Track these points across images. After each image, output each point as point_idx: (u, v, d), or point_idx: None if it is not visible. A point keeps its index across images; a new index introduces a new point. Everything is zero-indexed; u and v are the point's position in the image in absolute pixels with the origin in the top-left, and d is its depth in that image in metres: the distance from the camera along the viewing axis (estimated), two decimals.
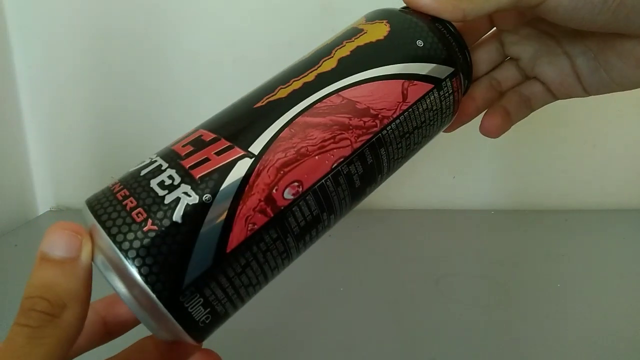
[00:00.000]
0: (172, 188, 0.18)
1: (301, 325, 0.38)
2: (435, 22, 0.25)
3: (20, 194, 0.62)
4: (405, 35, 0.23)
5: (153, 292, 0.17)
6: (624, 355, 0.34)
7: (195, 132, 0.21)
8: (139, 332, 0.21)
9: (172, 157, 0.19)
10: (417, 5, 0.25)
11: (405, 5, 0.26)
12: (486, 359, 0.34)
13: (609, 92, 0.27)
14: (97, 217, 0.18)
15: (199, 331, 0.18)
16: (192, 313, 0.18)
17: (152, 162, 0.20)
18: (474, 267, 0.47)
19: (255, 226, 0.18)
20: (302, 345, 0.36)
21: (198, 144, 0.20)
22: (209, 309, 0.18)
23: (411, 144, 0.24)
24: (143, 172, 0.19)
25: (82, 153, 0.63)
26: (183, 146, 0.20)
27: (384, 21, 0.24)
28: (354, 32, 0.24)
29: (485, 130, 0.29)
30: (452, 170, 0.61)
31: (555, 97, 0.29)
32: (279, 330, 0.37)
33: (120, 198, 0.18)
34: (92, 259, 0.18)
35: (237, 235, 0.18)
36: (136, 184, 0.18)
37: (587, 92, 0.28)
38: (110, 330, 0.22)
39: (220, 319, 0.19)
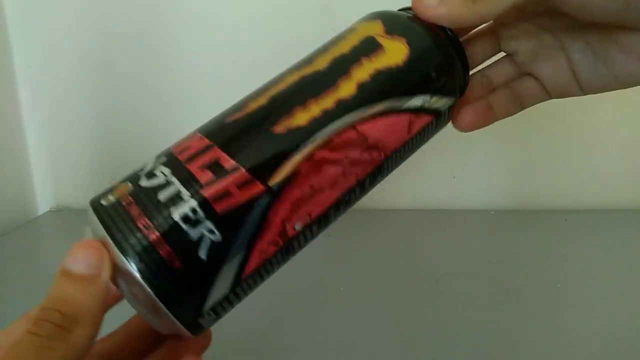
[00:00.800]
0: (196, 224, 0.18)
1: (301, 324, 0.38)
2: (445, 33, 0.25)
3: (20, 194, 0.62)
4: (422, 65, 0.23)
5: (177, 319, 0.18)
6: (623, 355, 0.34)
7: (210, 149, 0.20)
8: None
9: (190, 181, 0.19)
10: (433, 18, 0.24)
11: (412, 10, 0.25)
12: (486, 359, 0.34)
13: (605, 91, 0.27)
14: (122, 250, 0.17)
15: (203, 330, 0.20)
16: (204, 326, 0.19)
17: (168, 183, 0.19)
18: (474, 267, 0.47)
19: (267, 256, 0.20)
20: (302, 344, 0.36)
21: (217, 170, 0.19)
22: (217, 318, 0.20)
23: (402, 162, 0.25)
24: (161, 197, 0.18)
25: (82, 153, 0.63)
26: (201, 169, 0.19)
27: (404, 40, 0.23)
28: (371, 47, 0.23)
29: (457, 125, 0.28)
30: (452, 170, 0.61)
31: (550, 96, 0.28)
32: (279, 330, 0.37)
33: (143, 228, 0.18)
34: (113, 281, 0.18)
35: (251, 266, 0.19)
36: (157, 212, 0.18)
37: (583, 90, 0.27)
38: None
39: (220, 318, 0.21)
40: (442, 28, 0.25)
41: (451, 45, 0.25)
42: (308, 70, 0.22)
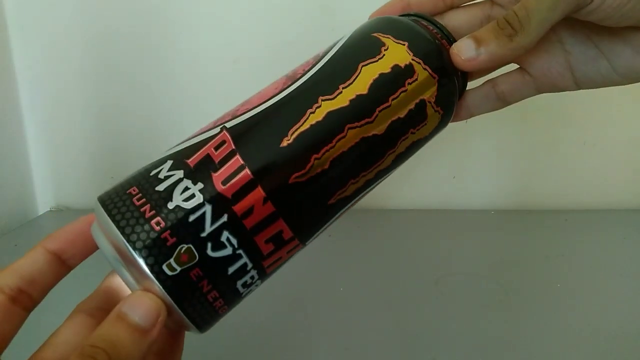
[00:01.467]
0: (249, 285, 0.20)
1: (301, 325, 0.38)
2: (463, 76, 0.25)
3: (20, 194, 0.62)
4: (441, 129, 0.25)
5: (199, 331, 0.20)
6: (623, 355, 0.34)
7: (275, 220, 0.20)
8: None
9: (255, 255, 0.20)
10: (477, 68, 0.23)
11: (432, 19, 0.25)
12: (486, 359, 0.35)
13: (604, 86, 0.25)
14: (187, 314, 0.19)
15: None
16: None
17: (237, 256, 0.19)
18: (474, 267, 0.47)
19: None
20: (302, 345, 0.36)
21: (278, 241, 0.20)
22: None
23: None
24: (230, 271, 0.19)
25: (82, 153, 0.63)
26: (265, 242, 0.20)
27: (441, 112, 0.24)
28: (421, 116, 0.23)
29: None
30: (452, 170, 0.61)
31: (538, 90, 0.27)
32: (279, 330, 0.37)
33: (205, 290, 0.19)
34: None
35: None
36: (223, 284, 0.19)
37: (577, 85, 0.26)
38: (69, 264, 0.21)
39: None
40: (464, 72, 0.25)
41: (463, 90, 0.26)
42: (367, 132, 0.21)
